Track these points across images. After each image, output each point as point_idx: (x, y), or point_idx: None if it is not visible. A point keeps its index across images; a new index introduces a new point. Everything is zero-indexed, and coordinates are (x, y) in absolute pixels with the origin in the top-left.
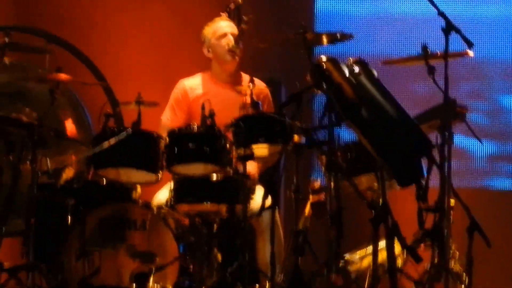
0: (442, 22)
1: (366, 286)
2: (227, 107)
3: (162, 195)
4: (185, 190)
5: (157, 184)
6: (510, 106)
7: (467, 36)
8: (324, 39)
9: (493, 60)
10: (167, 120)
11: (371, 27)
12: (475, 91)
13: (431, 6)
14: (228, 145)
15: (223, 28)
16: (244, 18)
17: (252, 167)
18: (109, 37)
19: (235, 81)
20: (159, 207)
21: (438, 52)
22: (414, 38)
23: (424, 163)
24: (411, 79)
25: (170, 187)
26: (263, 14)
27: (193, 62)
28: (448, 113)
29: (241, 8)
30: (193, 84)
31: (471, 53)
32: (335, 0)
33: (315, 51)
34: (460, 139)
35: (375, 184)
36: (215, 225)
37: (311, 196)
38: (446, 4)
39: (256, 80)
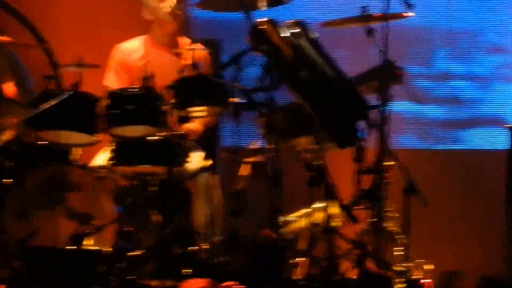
0: None
1: (302, 246)
2: (167, 69)
3: (101, 157)
4: (123, 152)
5: (97, 146)
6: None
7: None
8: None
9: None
10: (112, 83)
11: None
12: (417, 57)
13: None
14: (167, 107)
15: None
16: None
17: (196, 124)
18: None
19: (174, 44)
20: (98, 169)
21: (377, 13)
22: (355, 4)
23: (363, 124)
24: (351, 42)
25: (108, 149)
26: None
27: (134, 23)
28: (386, 75)
29: None
30: (131, 47)
31: (411, 14)
32: None
33: (256, 16)
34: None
35: (314, 145)
36: (153, 187)
37: (250, 157)
38: None
39: (195, 43)
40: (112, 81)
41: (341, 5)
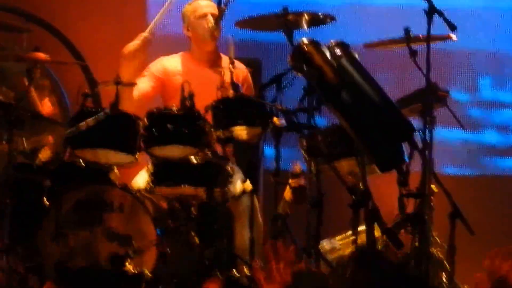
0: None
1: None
2: (207, 88)
3: (141, 177)
4: (163, 172)
5: (136, 166)
6: (498, 99)
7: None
8: (306, 19)
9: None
10: (142, 84)
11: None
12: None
13: None
14: (207, 127)
15: (203, 8)
16: None
17: None
18: (87, 15)
19: (214, 62)
20: (137, 190)
21: (421, 35)
22: (397, 26)
23: (406, 147)
24: (393, 63)
25: (148, 169)
26: None
27: (173, 42)
28: (430, 97)
29: None
30: (172, 63)
31: (454, 36)
32: None
33: (297, 35)
34: (443, 126)
35: (356, 168)
36: (193, 209)
37: (291, 180)
38: None
39: (236, 62)
40: (143, 83)
41: (384, 26)
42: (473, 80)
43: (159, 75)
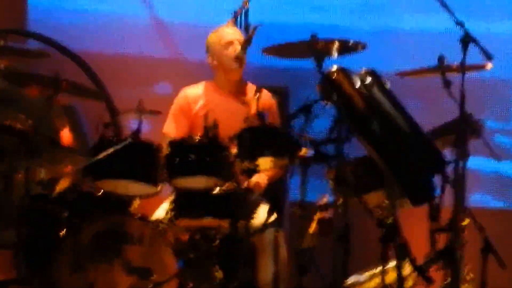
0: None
1: None
2: (231, 118)
3: (162, 208)
4: (185, 204)
5: (157, 197)
6: None
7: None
8: (335, 47)
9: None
10: (170, 130)
11: (383, 42)
12: (496, 111)
13: (447, 19)
14: (231, 158)
15: (228, 35)
16: (252, 25)
17: (262, 178)
18: (110, 41)
19: (240, 91)
20: (158, 221)
21: (455, 64)
22: (430, 53)
23: (438, 180)
24: (426, 93)
25: (170, 200)
26: None
27: (194, 72)
28: (464, 128)
29: (248, 14)
30: (196, 93)
31: (489, 65)
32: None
33: (327, 64)
34: (477, 158)
35: (385, 201)
36: (216, 241)
37: (317, 213)
38: (466, 20)
39: (262, 91)
40: (171, 128)
41: (417, 53)
42: (506, 109)
43: (184, 109)
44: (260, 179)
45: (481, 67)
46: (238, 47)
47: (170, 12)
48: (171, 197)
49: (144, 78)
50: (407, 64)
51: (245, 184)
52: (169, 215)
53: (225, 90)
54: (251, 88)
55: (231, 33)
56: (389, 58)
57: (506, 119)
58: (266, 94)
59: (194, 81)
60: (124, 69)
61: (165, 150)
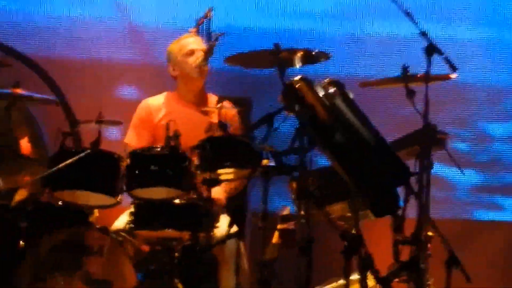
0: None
1: None
2: (193, 128)
3: (122, 220)
4: (145, 215)
5: (117, 208)
6: (494, 134)
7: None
8: (299, 56)
9: (476, 85)
10: (132, 141)
11: (347, 48)
12: (457, 117)
13: (412, 26)
14: (192, 168)
15: (190, 44)
16: (214, 33)
17: (219, 193)
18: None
19: (201, 101)
20: (117, 233)
21: (419, 74)
22: (395, 61)
23: (401, 192)
24: (390, 103)
25: (130, 211)
26: None
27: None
28: (428, 139)
29: (211, 23)
30: (157, 103)
31: (454, 76)
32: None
33: (290, 73)
34: (440, 168)
35: (349, 213)
36: (176, 253)
37: (279, 224)
38: (428, 26)
39: (224, 100)
40: (132, 138)
41: (380, 64)
42: (470, 115)
43: (146, 119)
44: (217, 194)
45: (446, 78)
46: (199, 57)
47: (136, 16)
48: (131, 208)
49: (109, 82)
50: (372, 71)
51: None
52: (129, 226)
53: (186, 100)
54: (213, 98)
55: (193, 42)
56: (354, 65)
57: (468, 125)
58: (228, 104)
59: (159, 85)
60: (89, 73)
61: (126, 160)
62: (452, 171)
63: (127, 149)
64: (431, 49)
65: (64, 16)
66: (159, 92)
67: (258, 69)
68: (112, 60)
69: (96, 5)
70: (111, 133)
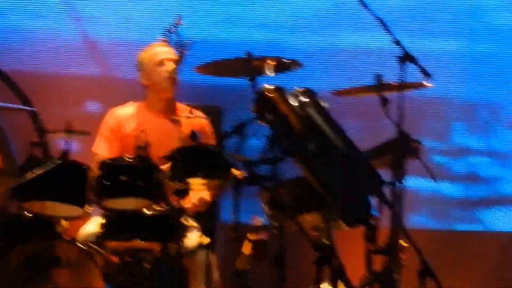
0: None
1: None
2: (163, 138)
3: (89, 229)
4: (115, 226)
5: (87, 219)
6: (469, 147)
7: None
8: (270, 65)
9: (452, 99)
10: (103, 151)
11: (319, 60)
12: (432, 131)
13: (386, 37)
14: (162, 179)
15: (161, 54)
16: (185, 42)
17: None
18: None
19: (172, 111)
20: (87, 244)
21: (393, 82)
22: (368, 72)
23: (375, 201)
24: (364, 112)
25: (100, 222)
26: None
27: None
28: (401, 148)
29: (180, 32)
30: (127, 114)
31: (428, 84)
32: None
33: (262, 82)
34: (414, 178)
35: (321, 223)
36: (146, 264)
37: (250, 235)
38: (403, 38)
39: (195, 110)
40: (103, 148)
41: (354, 73)
42: (445, 128)
43: (115, 129)
44: (196, 201)
45: (420, 86)
46: (170, 66)
47: (100, 30)
48: (100, 219)
49: (74, 96)
50: (346, 82)
51: (177, 204)
52: (98, 237)
53: (156, 110)
54: (183, 107)
55: (163, 52)
56: (327, 76)
57: (444, 138)
58: (198, 114)
59: (124, 99)
60: (54, 87)
61: (95, 170)
62: (428, 182)
63: (96, 158)
64: (405, 57)
65: (25, 29)
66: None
67: (229, 78)
68: (74, 74)
69: (54, 19)
70: (79, 143)
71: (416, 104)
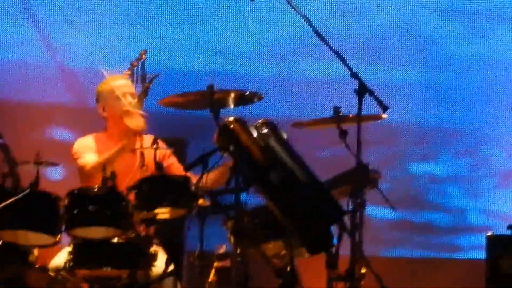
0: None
1: None
2: (127, 168)
3: (60, 258)
4: (84, 254)
5: (57, 247)
6: (419, 173)
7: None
8: (232, 97)
9: (404, 126)
10: (92, 159)
11: (280, 90)
12: (385, 157)
13: (345, 68)
14: (130, 208)
15: (121, 88)
16: (149, 75)
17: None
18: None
19: (132, 142)
20: (57, 272)
21: (350, 114)
22: (327, 101)
23: (335, 229)
24: (323, 143)
25: (69, 250)
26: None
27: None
28: (360, 179)
29: (145, 65)
30: (88, 145)
31: (385, 116)
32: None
33: (224, 114)
34: (373, 207)
35: (283, 251)
36: None
37: (216, 262)
38: (360, 68)
39: (159, 141)
40: (91, 158)
41: (312, 105)
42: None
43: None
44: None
45: (377, 118)
46: (131, 101)
47: (70, 58)
48: (70, 247)
49: (43, 124)
50: (305, 112)
51: (144, 233)
52: (68, 265)
53: (116, 141)
54: (147, 138)
55: (123, 86)
56: (286, 106)
57: (401, 165)
58: (162, 144)
59: (93, 126)
60: (23, 115)
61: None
62: (387, 210)
63: (87, 168)
64: (362, 90)
65: None
66: (91, 133)
67: (192, 111)
68: (44, 102)
69: (27, 48)
70: (49, 173)
71: (368, 131)
